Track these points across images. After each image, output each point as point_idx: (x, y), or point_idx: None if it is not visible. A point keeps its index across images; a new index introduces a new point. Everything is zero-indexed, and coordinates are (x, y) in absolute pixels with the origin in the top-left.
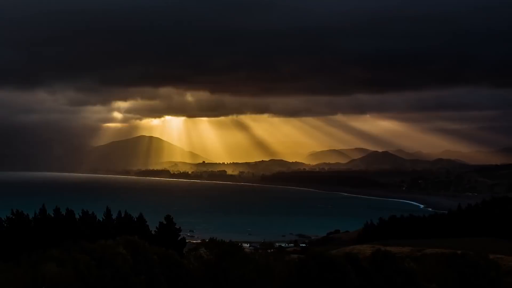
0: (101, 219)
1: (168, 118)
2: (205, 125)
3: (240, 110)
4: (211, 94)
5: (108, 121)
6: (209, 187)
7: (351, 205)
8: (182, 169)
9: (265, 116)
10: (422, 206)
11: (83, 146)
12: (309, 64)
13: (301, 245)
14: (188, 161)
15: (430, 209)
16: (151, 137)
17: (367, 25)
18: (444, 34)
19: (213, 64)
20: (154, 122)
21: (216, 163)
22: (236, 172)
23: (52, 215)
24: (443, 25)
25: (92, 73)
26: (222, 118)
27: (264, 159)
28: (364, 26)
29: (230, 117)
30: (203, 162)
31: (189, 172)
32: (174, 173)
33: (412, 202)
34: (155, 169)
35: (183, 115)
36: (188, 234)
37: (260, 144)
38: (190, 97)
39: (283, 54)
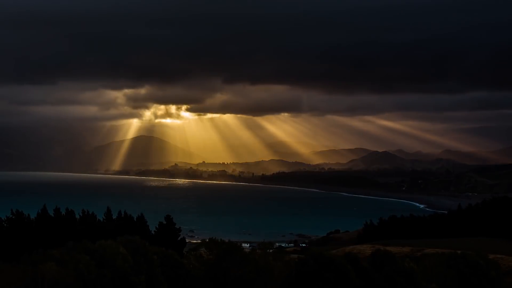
0: (101, 219)
1: (167, 118)
2: (205, 124)
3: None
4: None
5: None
6: (209, 187)
7: (351, 205)
8: (182, 169)
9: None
10: (422, 206)
11: (83, 146)
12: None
13: (301, 245)
14: (188, 161)
15: (430, 209)
16: (151, 137)
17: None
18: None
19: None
20: (154, 122)
21: (216, 163)
22: (236, 172)
23: (52, 215)
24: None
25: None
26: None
27: (264, 159)
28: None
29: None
30: (203, 162)
31: (189, 172)
32: (174, 173)
33: (412, 202)
34: (155, 169)
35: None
36: (188, 234)
37: (260, 144)
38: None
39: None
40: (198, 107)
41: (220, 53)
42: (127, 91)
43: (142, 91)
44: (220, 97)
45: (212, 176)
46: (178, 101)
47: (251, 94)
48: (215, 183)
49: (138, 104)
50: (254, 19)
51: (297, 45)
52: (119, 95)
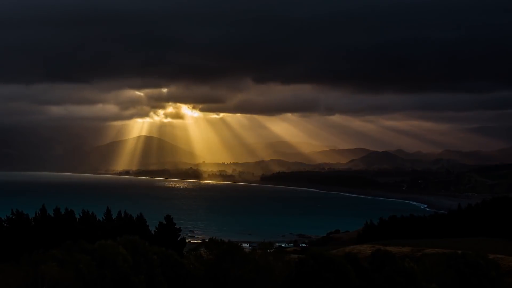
0: (101, 219)
1: (172, 118)
2: (208, 124)
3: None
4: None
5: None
6: (209, 187)
7: (351, 205)
8: (182, 168)
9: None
10: (422, 206)
11: (83, 146)
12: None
13: (301, 245)
14: (188, 161)
15: (430, 209)
16: (151, 137)
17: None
18: None
19: None
20: (154, 122)
21: (216, 163)
22: (236, 172)
23: (52, 215)
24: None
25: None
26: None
27: (264, 159)
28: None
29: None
30: (203, 162)
31: (189, 172)
32: (174, 173)
33: (412, 202)
34: (155, 169)
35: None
36: (188, 234)
37: (261, 144)
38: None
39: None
40: (212, 107)
41: (255, 53)
42: (150, 90)
43: (167, 90)
44: (240, 97)
45: (212, 176)
46: (201, 101)
47: (273, 94)
48: (215, 183)
49: (157, 104)
50: (290, 19)
51: (332, 46)
52: (141, 95)
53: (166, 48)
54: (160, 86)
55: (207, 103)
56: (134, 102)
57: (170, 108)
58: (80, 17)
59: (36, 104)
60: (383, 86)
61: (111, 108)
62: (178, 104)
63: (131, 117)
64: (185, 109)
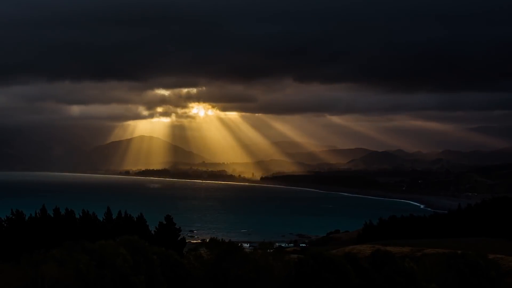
0: (101, 219)
1: (166, 118)
2: (205, 124)
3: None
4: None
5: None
6: (209, 187)
7: (351, 205)
8: (182, 168)
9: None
10: (422, 206)
11: (83, 146)
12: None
13: (301, 245)
14: (188, 161)
15: (430, 209)
16: (151, 137)
17: None
18: None
19: None
20: (155, 121)
21: (216, 163)
22: (236, 172)
23: (52, 215)
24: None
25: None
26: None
27: (264, 159)
28: None
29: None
30: (203, 162)
31: (189, 172)
32: (174, 172)
33: (412, 202)
34: (155, 169)
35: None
36: (188, 234)
37: (261, 144)
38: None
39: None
40: (234, 106)
41: (297, 52)
42: (178, 90)
43: (197, 90)
44: (270, 97)
45: (212, 176)
46: (231, 100)
47: (301, 94)
48: (215, 183)
49: (182, 103)
50: (338, 16)
51: (372, 46)
52: (172, 94)
53: (210, 46)
54: (197, 85)
55: (237, 103)
56: (162, 101)
57: (190, 108)
58: (126, 16)
59: (63, 103)
60: (417, 86)
61: (134, 108)
62: (191, 104)
63: (151, 116)
64: (196, 109)
